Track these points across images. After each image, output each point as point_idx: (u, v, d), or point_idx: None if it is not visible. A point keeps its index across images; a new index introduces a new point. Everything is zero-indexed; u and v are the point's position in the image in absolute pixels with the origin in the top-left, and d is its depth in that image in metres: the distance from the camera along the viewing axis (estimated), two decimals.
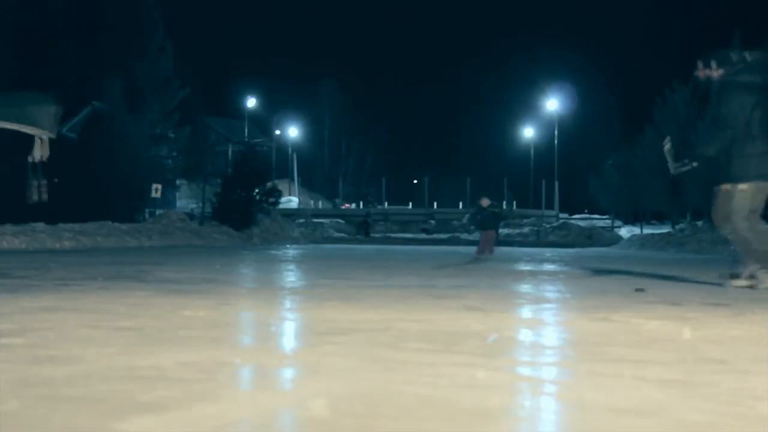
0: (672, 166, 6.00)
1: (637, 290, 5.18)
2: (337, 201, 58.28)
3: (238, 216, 23.21)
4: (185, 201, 39.68)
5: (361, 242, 31.44)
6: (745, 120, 5.48)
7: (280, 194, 26.76)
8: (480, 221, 12.39)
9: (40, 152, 7.15)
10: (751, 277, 5.59)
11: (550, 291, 5.46)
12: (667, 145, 6.04)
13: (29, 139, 7.02)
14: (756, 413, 1.67)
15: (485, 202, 12.30)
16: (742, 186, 5.54)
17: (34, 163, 7.30)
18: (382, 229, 43.18)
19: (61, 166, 8.91)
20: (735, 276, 5.72)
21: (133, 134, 24.52)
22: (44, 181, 7.27)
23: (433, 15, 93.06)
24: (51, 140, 7.16)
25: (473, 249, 14.81)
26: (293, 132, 63.73)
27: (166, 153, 30.48)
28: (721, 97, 5.63)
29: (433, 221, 46.87)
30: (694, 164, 5.86)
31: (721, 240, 21.83)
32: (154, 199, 24.62)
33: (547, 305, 4.34)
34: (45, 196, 7.27)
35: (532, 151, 58.56)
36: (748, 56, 5.69)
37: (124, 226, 18.29)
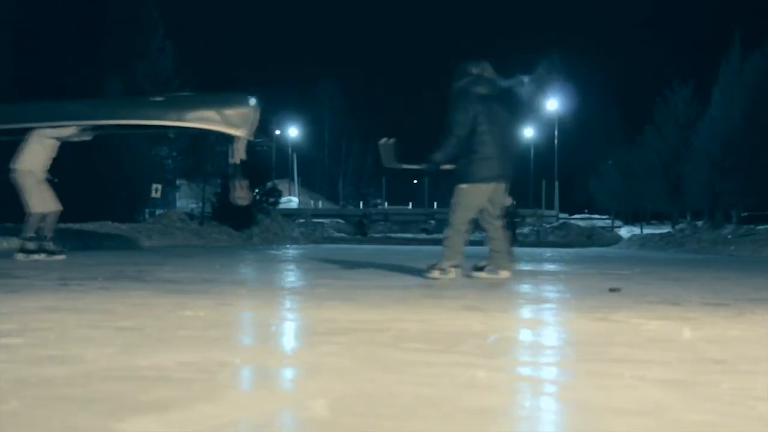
0: (386, 160, 6.68)
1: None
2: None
3: (238, 216, 23.20)
4: (185, 201, 39.64)
5: (360, 242, 31.47)
6: (471, 127, 6.04)
7: (280, 194, 26.79)
8: None
9: (241, 154, 7.35)
10: (442, 270, 6.15)
11: (550, 291, 5.45)
12: (383, 141, 6.72)
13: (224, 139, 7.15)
14: (756, 413, 1.67)
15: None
16: (473, 186, 6.13)
17: (235, 165, 7.55)
18: (382, 229, 43.26)
19: (61, 165, 8.91)
20: (431, 267, 6.26)
21: (132, 134, 24.49)
22: (245, 182, 7.50)
23: (433, 15, 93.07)
24: (247, 142, 7.31)
25: (473, 249, 14.69)
26: (293, 132, 63.75)
27: (166, 153, 30.44)
28: (452, 106, 6.20)
29: (433, 221, 46.89)
30: (423, 166, 6.62)
31: (721, 240, 21.89)
32: (154, 199, 24.60)
33: (547, 305, 4.33)
34: (249, 199, 7.52)
35: (532, 151, 58.58)
36: (474, 70, 6.28)
37: (124, 226, 18.27)
